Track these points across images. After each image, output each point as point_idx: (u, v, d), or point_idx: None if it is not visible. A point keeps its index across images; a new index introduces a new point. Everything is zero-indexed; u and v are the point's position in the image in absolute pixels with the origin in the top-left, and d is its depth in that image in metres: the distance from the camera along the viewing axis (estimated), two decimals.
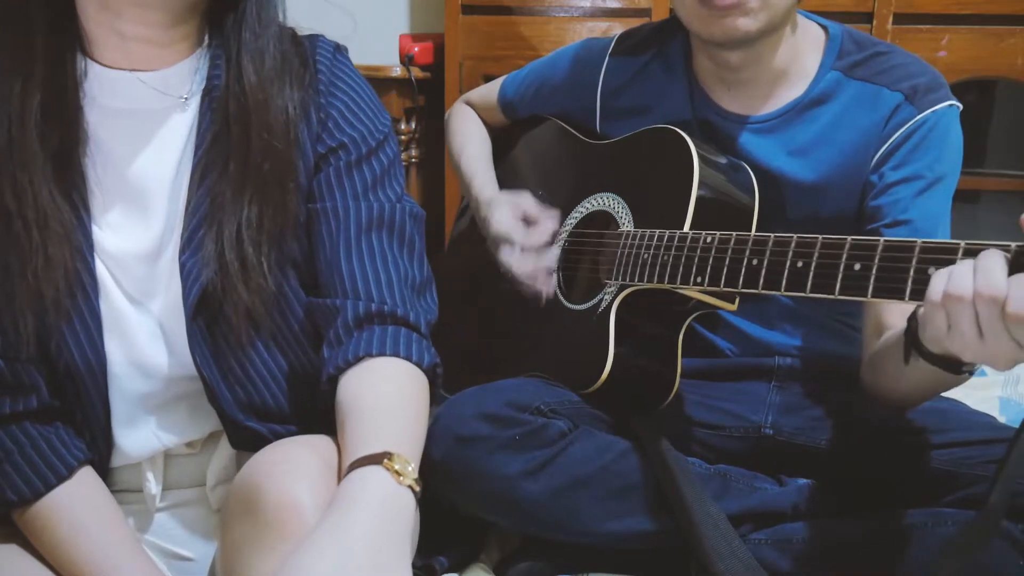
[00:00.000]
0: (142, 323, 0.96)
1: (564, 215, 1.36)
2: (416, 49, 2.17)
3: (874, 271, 0.88)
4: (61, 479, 0.92)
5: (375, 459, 0.82)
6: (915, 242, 0.86)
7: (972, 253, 0.81)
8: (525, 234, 1.32)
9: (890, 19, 1.94)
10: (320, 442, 0.90)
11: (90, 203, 0.94)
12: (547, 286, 1.31)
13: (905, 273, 0.86)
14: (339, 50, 1.05)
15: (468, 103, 1.60)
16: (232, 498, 0.85)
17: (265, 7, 0.97)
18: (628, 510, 1.15)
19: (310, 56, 1.02)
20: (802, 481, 1.21)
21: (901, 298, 0.86)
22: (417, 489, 0.82)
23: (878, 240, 0.89)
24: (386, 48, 2.23)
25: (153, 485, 1.01)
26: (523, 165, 1.52)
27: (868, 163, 1.19)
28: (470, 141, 1.53)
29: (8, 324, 0.91)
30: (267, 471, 0.83)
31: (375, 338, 0.94)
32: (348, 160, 1.00)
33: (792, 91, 1.23)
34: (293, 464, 0.84)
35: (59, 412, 0.95)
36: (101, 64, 0.95)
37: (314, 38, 1.04)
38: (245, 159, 0.95)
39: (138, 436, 0.98)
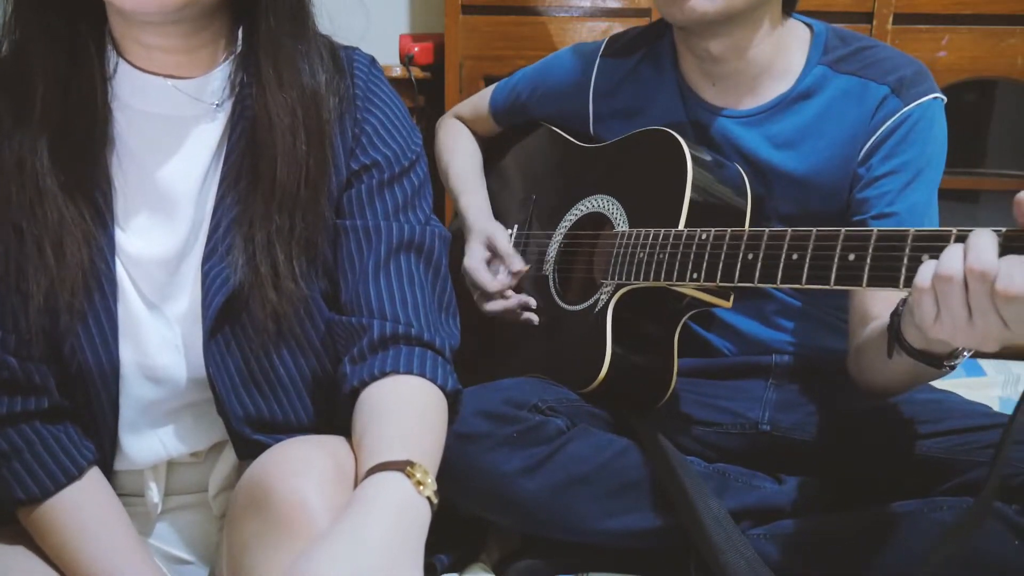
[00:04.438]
0: (157, 328, 0.95)
1: (558, 218, 1.37)
2: (416, 49, 2.17)
3: (868, 260, 0.89)
4: (71, 478, 0.92)
5: (398, 466, 0.81)
6: (908, 231, 0.86)
7: (963, 240, 0.82)
8: (490, 279, 1.34)
9: (890, 19, 1.94)
10: (331, 442, 0.89)
11: (113, 205, 0.93)
12: (525, 317, 1.33)
13: (899, 261, 0.87)
14: (374, 63, 1.03)
15: (457, 116, 1.60)
16: (240, 495, 0.85)
17: (293, 9, 0.94)
18: (626, 508, 1.16)
19: (347, 67, 1.00)
20: (800, 478, 1.21)
21: (896, 286, 0.87)
22: (435, 502, 0.82)
23: (871, 230, 0.90)
24: (386, 48, 2.23)
25: (155, 494, 1.00)
26: (515, 172, 1.52)
27: (856, 156, 1.20)
28: (457, 156, 1.54)
29: (22, 323, 0.90)
30: (276, 469, 0.83)
31: (402, 356, 0.94)
32: (381, 179, 0.99)
33: (778, 86, 1.24)
34: (303, 463, 0.83)
35: (69, 412, 0.95)
36: (133, 66, 0.93)
37: (349, 49, 1.02)
38: (275, 167, 0.93)
39: (143, 442, 0.98)
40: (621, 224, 1.25)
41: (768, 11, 1.20)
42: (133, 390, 0.95)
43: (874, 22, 1.94)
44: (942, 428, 1.15)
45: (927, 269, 0.83)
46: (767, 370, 1.29)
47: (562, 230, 1.36)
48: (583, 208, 1.34)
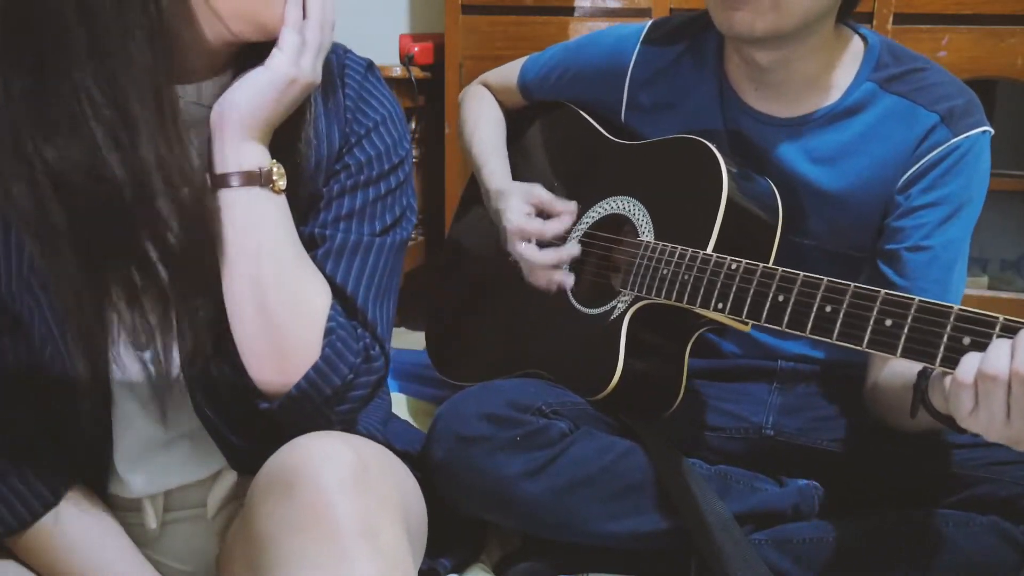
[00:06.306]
0: (147, 365, 0.92)
1: (579, 213, 1.33)
2: (416, 49, 2.17)
3: (906, 330, 0.87)
4: (48, 506, 0.90)
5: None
6: (952, 307, 0.84)
7: (1010, 330, 0.80)
8: (541, 226, 1.29)
9: (890, 19, 1.94)
10: (354, 439, 0.87)
11: None
12: (567, 279, 1.27)
13: (938, 337, 0.84)
14: (371, 69, 1.00)
15: (484, 83, 1.55)
16: (261, 482, 0.83)
17: None
18: (629, 511, 1.16)
19: (337, 73, 0.96)
20: (802, 482, 1.21)
21: (931, 363, 0.85)
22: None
23: (912, 299, 0.87)
24: (386, 48, 2.23)
25: (152, 519, 0.99)
26: (538, 153, 1.47)
27: (896, 180, 1.16)
28: (482, 125, 1.48)
29: (13, 359, 0.88)
30: (304, 456, 0.81)
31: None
32: (343, 185, 0.95)
33: (824, 98, 1.20)
34: (325, 457, 0.81)
35: (48, 445, 0.93)
36: None
37: (343, 54, 0.98)
38: None
39: (140, 476, 0.96)
40: (646, 232, 1.21)
41: (820, 27, 1.15)
42: (127, 424, 0.94)
43: (874, 22, 1.94)
44: (948, 441, 1.14)
45: (970, 363, 0.81)
46: (772, 374, 1.28)
47: (582, 227, 1.32)
48: (607, 207, 1.30)
